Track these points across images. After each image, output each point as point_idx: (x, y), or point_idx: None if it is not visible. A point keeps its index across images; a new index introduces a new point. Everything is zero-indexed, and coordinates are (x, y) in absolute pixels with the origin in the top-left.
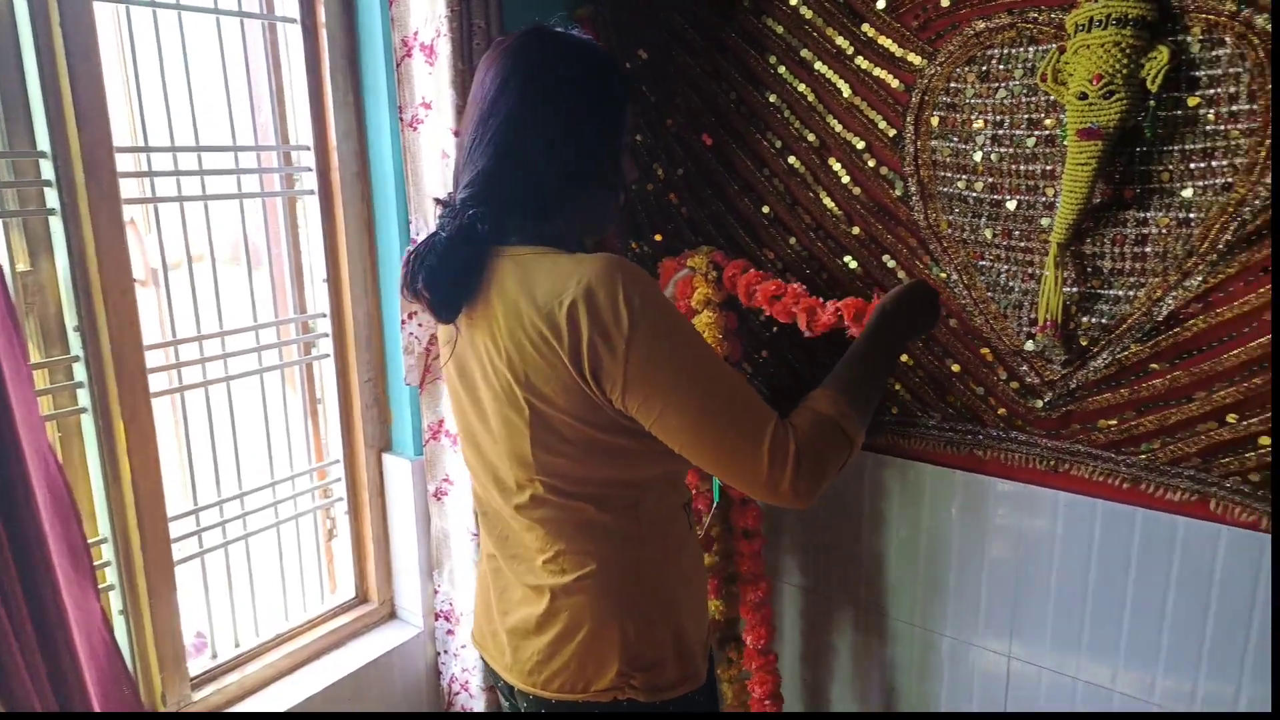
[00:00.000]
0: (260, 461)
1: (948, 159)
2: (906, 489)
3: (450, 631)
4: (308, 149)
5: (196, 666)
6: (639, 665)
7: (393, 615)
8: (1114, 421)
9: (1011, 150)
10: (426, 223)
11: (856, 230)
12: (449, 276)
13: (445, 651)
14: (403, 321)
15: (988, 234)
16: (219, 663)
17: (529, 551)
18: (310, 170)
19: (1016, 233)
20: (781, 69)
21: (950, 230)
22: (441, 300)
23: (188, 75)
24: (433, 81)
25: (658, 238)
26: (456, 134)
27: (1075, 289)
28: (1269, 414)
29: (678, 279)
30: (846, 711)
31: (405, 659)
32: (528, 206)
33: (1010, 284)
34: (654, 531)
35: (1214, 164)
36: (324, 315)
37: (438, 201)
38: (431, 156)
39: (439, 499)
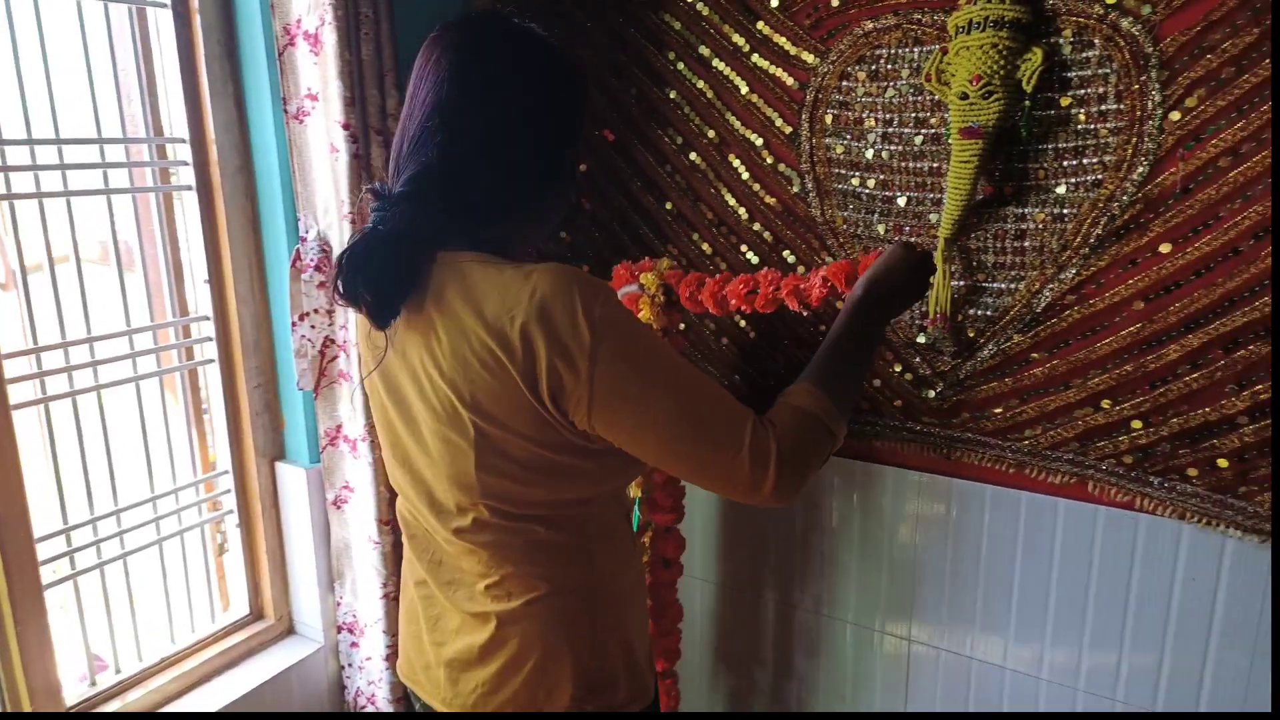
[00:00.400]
0: (141, 475)
1: (841, 156)
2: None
3: (354, 644)
4: (184, 142)
5: (75, 695)
6: (593, 688)
7: (291, 631)
8: (1000, 409)
9: (901, 148)
10: (315, 219)
11: (757, 226)
12: (391, 276)
13: (350, 665)
14: (294, 323)
15: (881, 229)
16: (99, 690)
17: (469, 576)
18: (187, 164)
19: (907, 228)
20: (681, 65)
21: (846, 226)
22: (382, 302)
23: (45, 62)
24: (318, 72)
25: (564, 236)
26: (345, 127)
27: (962, 282)
28: (1140, 399)
29: (624, 293)
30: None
31: (305, 676)
32: (472, 208)
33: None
34: (602, 547)
35: (1085, 161)
36: (206, 318)
37: (371, 192)
38: (319, 150)
39: (339, 507)
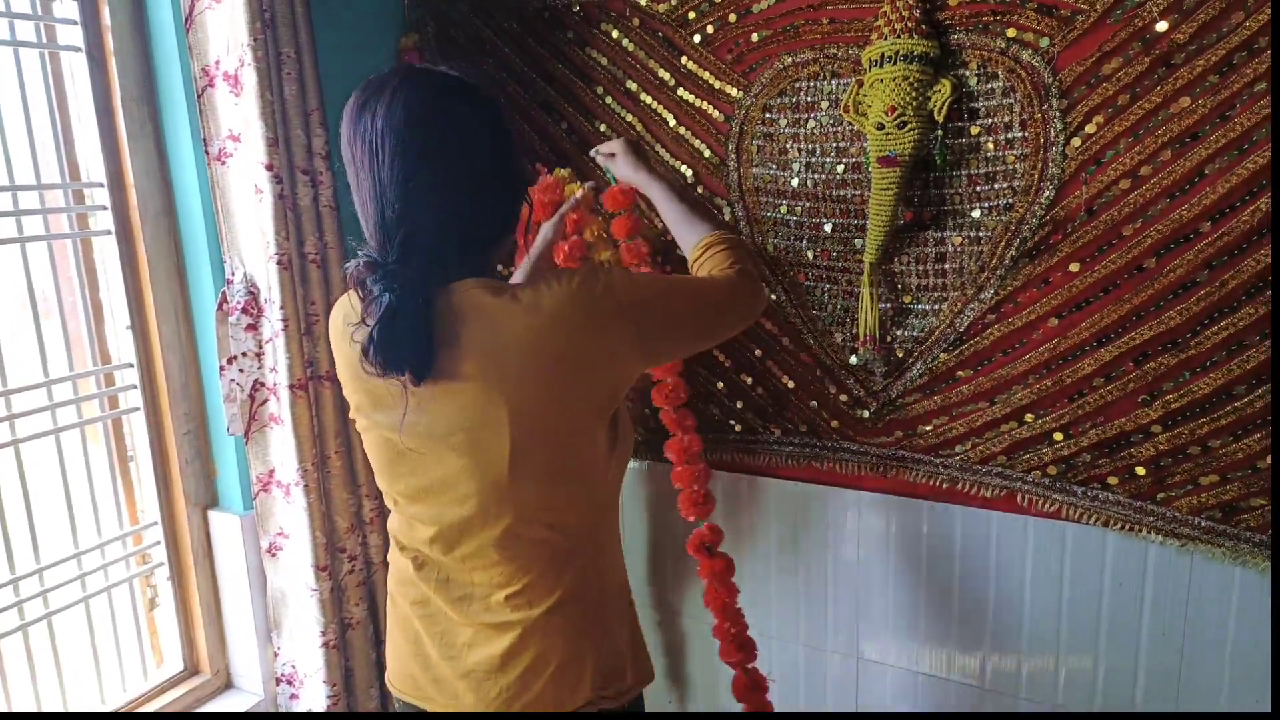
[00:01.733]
0: (63, 530)
1: (768, 185)
2: (754, 503)
3: (294, 696)
4: (101, 186)
5: None
6: (609, 678)
7: (229, 685)
8: (930, 427)
9: (824, 177)
10: (242, 260)
11: None
12: (426, 338)
13: None
14: (221, 368)
15: (809, 255)
16: None
17: (483, 589)
18: (106, 209)
19: (834, 254)
20: (609, 100)
21: (776, 253)
22: (421, 360)
23: None
24: (239, 113)
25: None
26: (269, 168)
27: (889, 305)
28: (1060, 412)
29: (565, 212)
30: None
31: None
32: (471, 248)
33: (833, 302)
34: (608, 552)
35: (996, 186)
36: (130, 365)
37: (367, 264)
38: (243, 191)
39: (273, 555)
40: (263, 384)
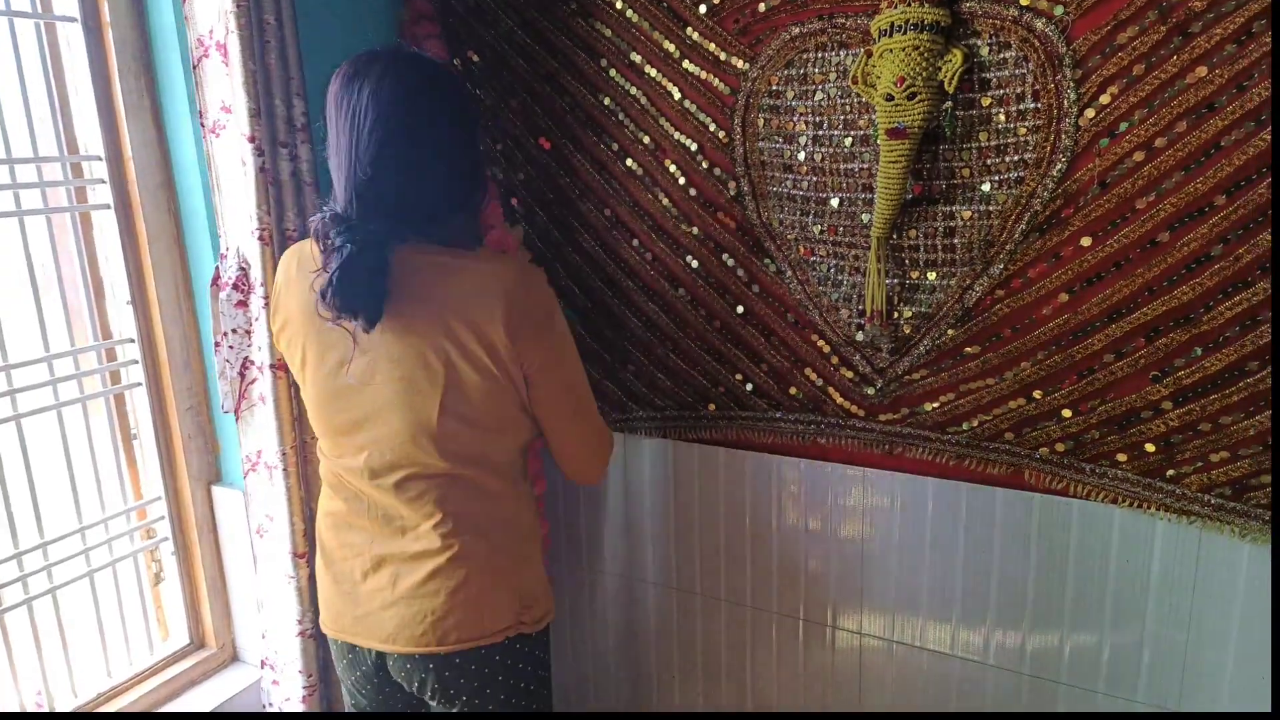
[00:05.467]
0: (66, 506)
1: (774, 159)
2: (759, 481)
3: (275, 681)
4: (99, 159)
5: None
6: (525, 602)
7: (235, 658)
8: (937, 404)
9: (831, 150)
10: (233, 236)
11: (695, 230)
12: (380, 289)
13: (270, 704)
14: (216, 344)
15: (816, 230)
16: None
17: (414, 520)
18: (104, 182)
19: (841, 229)
20: (613, 72)
21: (782, 228)
22: (372, 308)
23: None
24: (229, 83)
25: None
26: (251, 140)
27: (896, 280)
28: (1069, 388)
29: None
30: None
31: (250, 705)
32: (431, 214)
33: (839, 278)
34: (524, 491)
35: (1007, 159)
36: (131, 340)
37: (332, 217)
38: (233, 164)
39: (261, 536)
40: (252, 362)
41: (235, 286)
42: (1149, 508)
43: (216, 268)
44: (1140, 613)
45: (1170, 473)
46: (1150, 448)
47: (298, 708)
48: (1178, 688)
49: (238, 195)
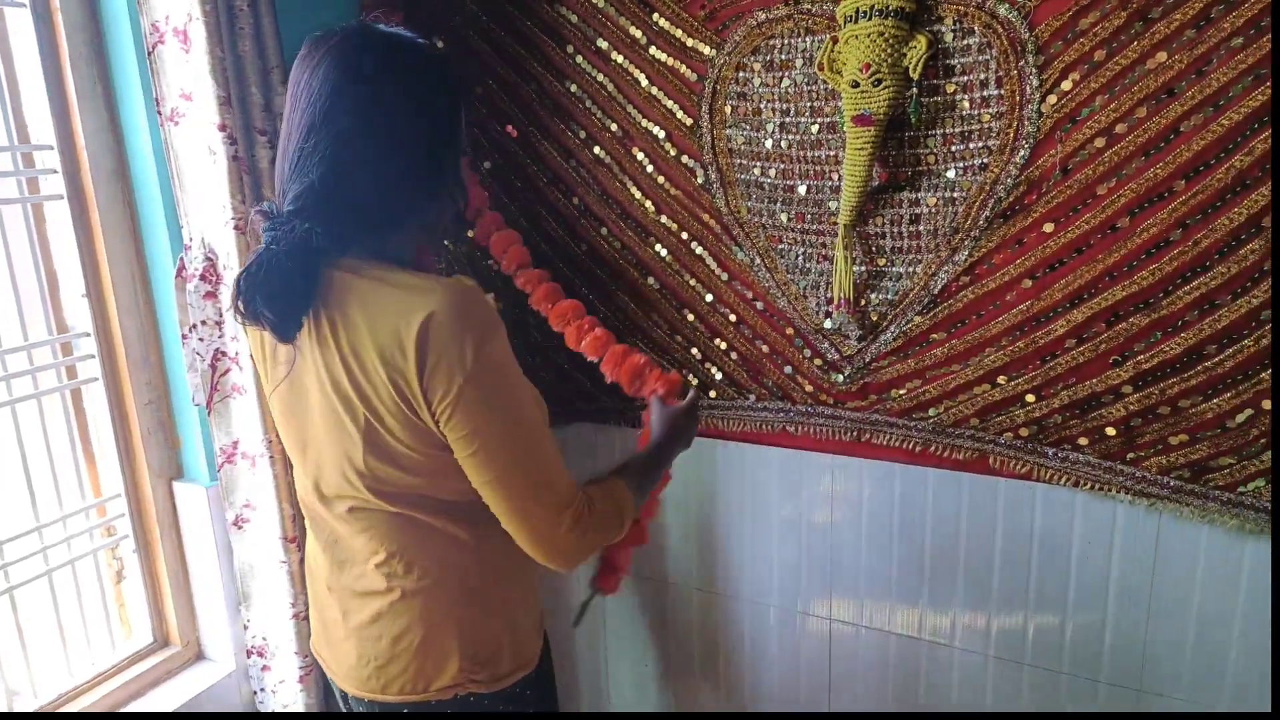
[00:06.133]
0: (22, 504)
1: (742, 147)
2: (729, 468)
3: (266, 668)
4: (51, 149)
5: None
6: (478, 659)
7: (200, 656)
8: (904, 390)
9: (798, 137)
10: (199, 226)
11: (665, 219)
12: (288, 293)
13: (263, 689)
14: (183, 336)
15: (783, 218)
16: None
17: (360, 555)
18: (56, 173)
19: (809, 216)
20: (580, 59)
21: (750, 216)
22: (282, 318)
23: None
24: (190, 70)
25: (470, 233)
26: (222, 128)
27: (863, 268)
28: (1032, 374)
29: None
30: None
31: (217, 702)
32: (364, 220)
33: (807, 265)
34: (488, 534)
35: (971, 146)
36: (87, 334)
37: (260, 213)
38: (197, 153)
39: (240, 527)
40: (224, 353)
41: (203, 277)
42: (1110, 490)
43: (181, 258)
44: (1102, 594)
45: (1130, 456)
46: (1111, 431)
47: (294, 689)
48: (1139, 666)
49: (205, 184)
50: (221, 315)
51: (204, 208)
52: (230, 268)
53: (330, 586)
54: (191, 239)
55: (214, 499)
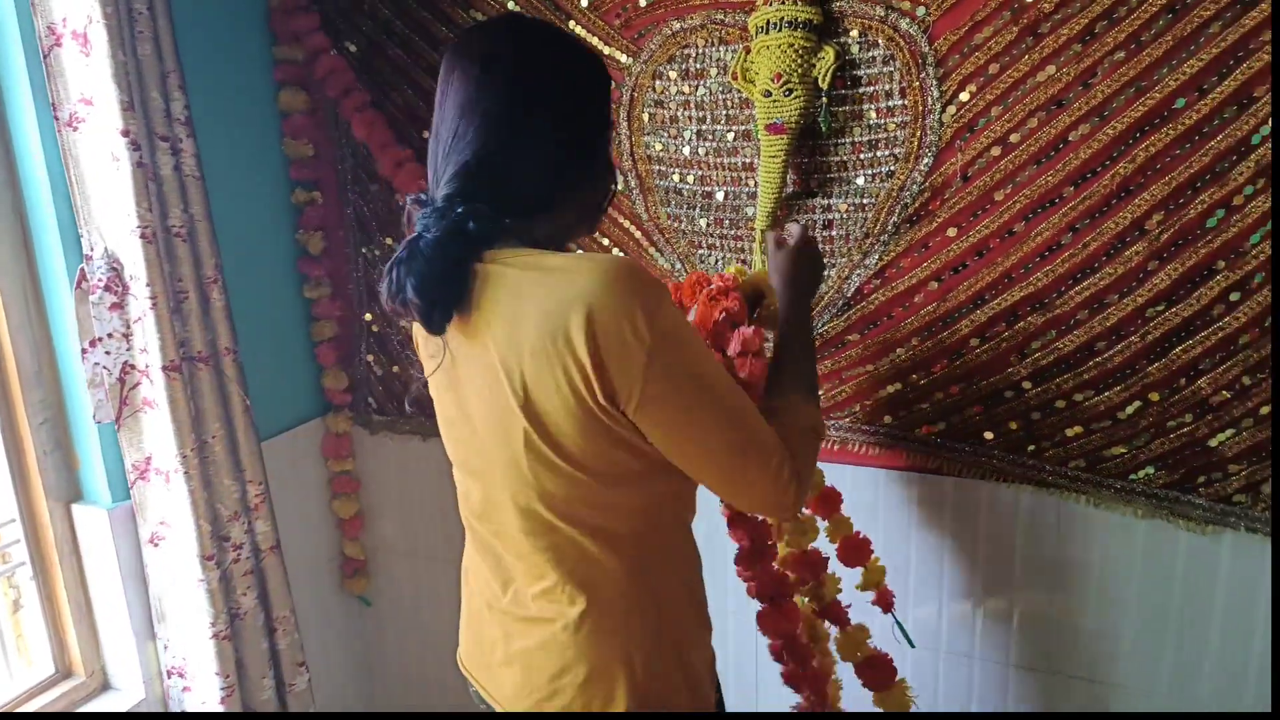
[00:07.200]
0: None
1: (660, 154)
2: None
3: (187, 689)
4: None
5: None
6: (647, 700)
7: (105, 686)
8: (822, 390)
9: (715, 144)
10: (101, 235)
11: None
12: (441, 281)
13: (204, 704)
14: (84, 351)
15: (703, 224)
16: None
17: (522, 580)
18: None
19: (727, 221)
20: None
21: (670, 222)
22: (432, 308)
23: None
24: (91, 74)
25: (389, 241)
26: (125, 134)
27: None
28: (940, 372)
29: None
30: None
31: None
32: (518, 202)
33: (726, 270)
34: (659, 560)
35: (878, 154)
36: None
37: (416, 201)
38: (99, 160)
39: (156, 545)
40: (133, 366)
41: (107, 288)
42: (1013, 482)
43: (81, 269)
44: (1009, 578)
45: (1031, 447)
46: (1013, 425)
47: (216, 710)
48: (1047, 647)
49: (109, 192)
50: (129, 327)
51: (108, 216)
52: (136, 277)
53: (490, 604)
54: (93, 248)
55: (118, 521)
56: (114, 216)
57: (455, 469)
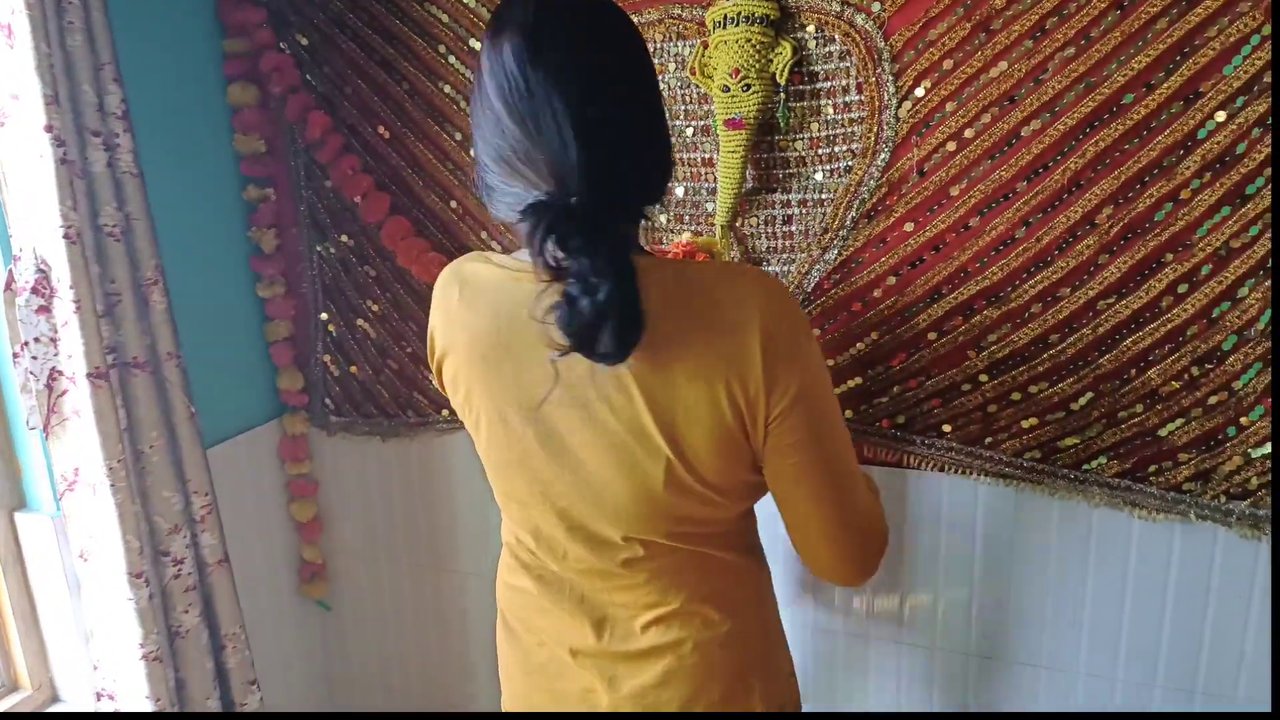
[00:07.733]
0: None
1: None
2: None
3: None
4: None
5: None
6: (784, 705)
7: (54, 698)
8: None
9: (674, 139)
10: (29, 236)
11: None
12: (637, 311)
13: None
14: (15, 355)
15: (663, 219)
16: None
17: (628, 611)
18: None
19: (687, 217)
20: (453, 59)
21: None
22: (626, 346)
23: None
24: (15, 67)
25: (344, 239)
26: (48, 129)
27: None
28: (898, 366)
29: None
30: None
31: None
32: (639, 198)
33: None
34: (758, 558)
35: (836, 149)
36: None
37: (538, 206)
38: (26, 158)
39: (85, 560)
40: (60, 372)
41: (35, 291)
42: (971, 474)
43: (9, 271)
44: (968, 569)
45: (988, 439)
46: (971, 417)
47: None
48: (1004, 638)
49: (34, 191)
50: (56, 331)
51: (34, 216)
52: (63, 280)
53: (577, 650)
54: (21, 250)
55: (62, 529)
56: (40, 216)
57: (517, 508)
